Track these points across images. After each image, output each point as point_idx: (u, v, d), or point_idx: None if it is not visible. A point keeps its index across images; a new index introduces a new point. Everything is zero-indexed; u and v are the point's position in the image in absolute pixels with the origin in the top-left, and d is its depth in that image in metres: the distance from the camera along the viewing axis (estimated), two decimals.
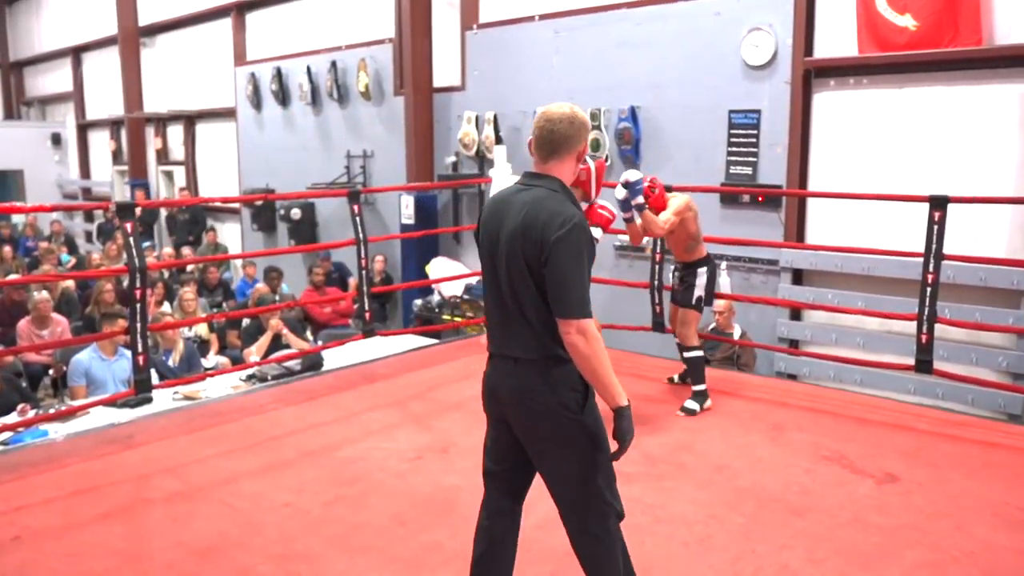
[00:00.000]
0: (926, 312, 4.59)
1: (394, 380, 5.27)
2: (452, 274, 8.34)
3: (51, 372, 7.08)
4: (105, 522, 3.29)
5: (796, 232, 6.56)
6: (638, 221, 4.41)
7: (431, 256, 9.12)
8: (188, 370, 6.04)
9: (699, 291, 4.72)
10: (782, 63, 6.49)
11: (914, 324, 4.68)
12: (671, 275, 5.03)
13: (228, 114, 12.61)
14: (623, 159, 7.47)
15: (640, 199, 4.30)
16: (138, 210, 4.53)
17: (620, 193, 4.26)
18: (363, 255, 5.66)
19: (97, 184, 16.87)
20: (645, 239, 4.73)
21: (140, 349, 4.41)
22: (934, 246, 4.54)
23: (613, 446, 2.28)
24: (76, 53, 16.90)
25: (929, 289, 4.57)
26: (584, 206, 3.36)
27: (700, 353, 4.73)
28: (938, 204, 4.55)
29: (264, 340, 6.76)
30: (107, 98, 15.75)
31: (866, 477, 3.72)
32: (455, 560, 2.98)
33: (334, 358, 5.87)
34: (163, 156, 14.63)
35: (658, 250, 5.61)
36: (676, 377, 5.15)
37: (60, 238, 13.57)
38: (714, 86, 6.89)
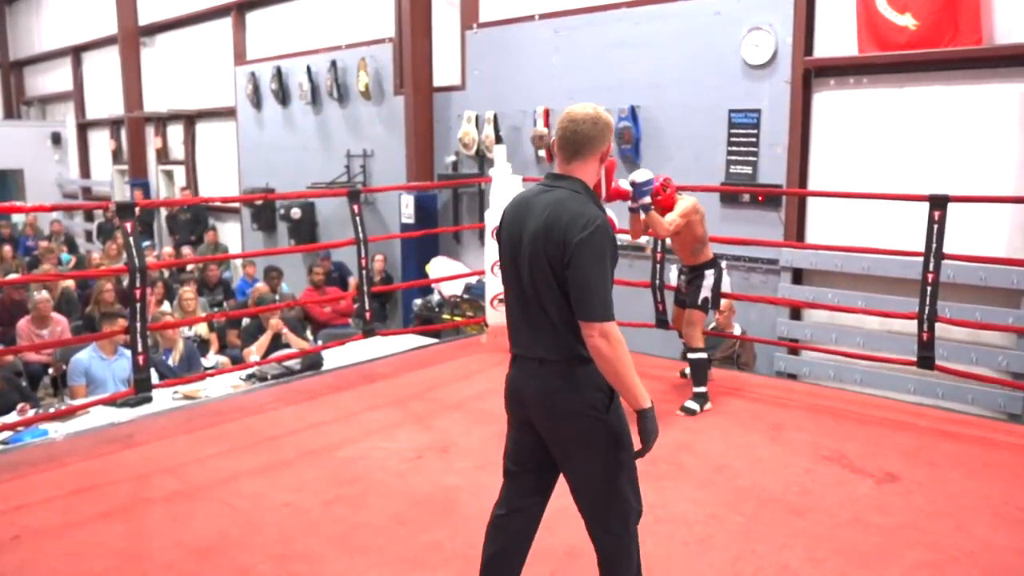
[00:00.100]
0: (927, 312, 4.59)
1: (394, 380, 5.27)
2: (452, 274, 8.34)
3: (51, 371, 7.09)
4: (105, 521, 3.29)
5: (796, 231, 6.56)
6: (642, 216, 4.42)
7: (431, 256, 9.12)
8: (188, 369, 6.04)
9: (706, 292, 4.72)
10: (782, 62, 6.49)
11: (914, 324, 4.69)
12: (677, 278, 5.02)
13: (228, 113, 12.60)
14: (623, 159, 7.47)
15: (647, 200, 4.31)
16: (137, 210, 4.52)
17: (626, 185, 4.28)
18: (363, 255, 5.66)
19: (97, 184, 16.88)
20: (644, 238, 4.72)
21: (140, 348, 4.41)
22: (934, 245, 4.54)
23: (636, 445, 2.28)
24: (76, 52, 16.90)
25: (929, 289, 4.57)
26: None
27: (704, 355, 4.72)
28: (938, 204, 4.55)
29: (264, 339, 6.76)
30: (107, 97, 15.76)
31: (866, 477, 3.72)
32: (455, 560, 2.98)
33: (334, 358, 5.87)
34: (163, 156, 14.63)
35: (658, 249, 5.61)
36: (688, 371, 5.14)
37: (60, 237, 13.57)
38: (714, 86, 6.89)
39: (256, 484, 3.64)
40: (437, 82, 9.22)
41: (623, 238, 4.81)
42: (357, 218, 5.62)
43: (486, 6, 8.87)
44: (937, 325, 4.62)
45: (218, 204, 13.00)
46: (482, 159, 8.81)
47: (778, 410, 4.68)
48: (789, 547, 3.08)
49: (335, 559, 3.01)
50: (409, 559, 3.00)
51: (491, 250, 5.80)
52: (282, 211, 11.03)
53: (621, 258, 7.73)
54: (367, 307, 5.68)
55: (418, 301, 8.92)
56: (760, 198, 6.65)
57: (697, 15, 6.98)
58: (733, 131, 6.83)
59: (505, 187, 5.82)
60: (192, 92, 13.64)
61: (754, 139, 6.72)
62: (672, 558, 3.00)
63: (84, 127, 17.39)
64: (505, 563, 2.45)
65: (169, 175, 14.67)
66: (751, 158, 6.75)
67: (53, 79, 18.21)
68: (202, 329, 7.62)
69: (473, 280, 8.19)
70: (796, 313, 6.66)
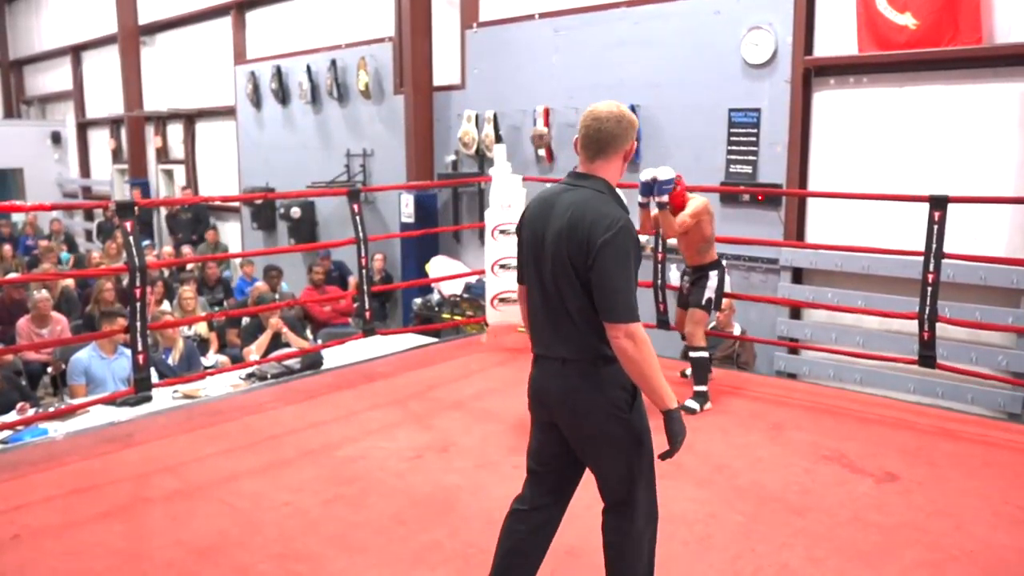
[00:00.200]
0: (927, 311, 4.59)
1: (394, 379, 5.27)
2: (452, 273, 8.34)
3: (51, 370, 7.08)
4: (105, 521, 3.29)
5: (796, 231, 6.56)
6: (654, 211, 4.42)
7: (431, 255, 9.12)
8: (188, 369, 6.04)
9: (710, 293, 4.73)
10: (782, 62, 6.49)
11: (913, 323, 4.69)
12: (680, 279, 5.02)
13: (228, 113, 12.60)
14: None
15: (665, 198, 4.32)
16: (136, 209, 4.53)
17: (646, 177, 4.29)
18: (363, 254, 5.66)
19: (97, 183, 16.87)
20: (644, 237, 4.73)
21: (140, 348, 4.41)
22: (934, 245, 4.54)
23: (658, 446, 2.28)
24: (76, 52, 16.89)
25: (930, 288, 4.57)
26: None
27: (706, 354, 4.72)
28: (938, 204, 4.55)
29: (264, 339, 6.76)
30: (107, 97, 15.75)
31: (866, 476, 3.72)
32: (454, 559, 2.98)
33: (334, 357, 5.87)
34: (163, 155, 14.63)
35: (659, 249, 5.61)
36: (689, 371, 5.14)
37: (60, 237, 13.57)
38: (714, 85, 6.89)
39: (256, 484, 3.64)
40: (437, 81, 9.22)
41: None
42: (357, 217, 5.62)
43: (486, 5, 8.86)
44: (937, 324, 4.62)
45: (218, 203, 13.00)
46: (482, 158, 8.80)
47: (778, 410, 4.68)
48: (789, 546, 3.08)
49: (335, 559, 3.01)
50: (409, 559, 3.00)
51: (491, 249, 5.79)
52: (282, 210, 11.03)
53: None
54: (367, 306, 5.68)
55: (418, 300, 8.92)
56: (760, 198, 6.65)
57: (697, 14, 6.98)
58: (733, 130, 6.83)
59: (505, 187, 5.82)
60: (192, 91, 13.64)
61: (754, 139, 6.72)
62: (672, 557, 3.00)
63: (84, 126, 17.38)
64: (520, 559, 2.42)
65: (169, 174, 14.66)
66: (751, 157, 6.75)
67: (53, 78, 18.20)
68: (202, 328, 7.61)
69: (473, 279, 8.20)
70: (796, 313, 6.66)
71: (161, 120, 14.41)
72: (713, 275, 4.74)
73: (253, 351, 6.66)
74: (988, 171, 5.62)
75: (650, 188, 4.34)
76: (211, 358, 6.98)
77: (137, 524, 3.29)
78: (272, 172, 11.57)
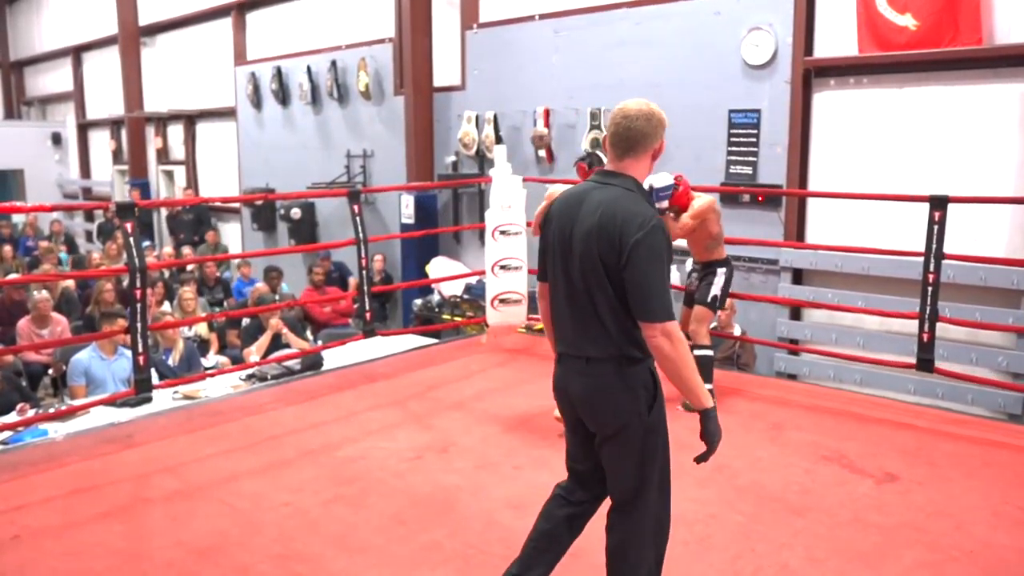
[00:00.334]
0: (927, 312, 4.59)
1: (394, 380, 5.27)
2: (452, 273, 8.33)
3: (51, 371, 7.09)
4: (105, 521, 3.29)
5: (796, 232, 6.56)
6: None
7: (431, 256, 9.11)
8: (188, 369, 6.04)
9: (716, 290, 4.72)
10: (782, 63, 6.49)
11: (913, 324, 4.69)
12: (687, 277, 5.03)
13: (228, 113, 12.61)
14: None
15: (664, 204, 4.33)
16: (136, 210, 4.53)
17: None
18: (363, 255, 5.67)
19: (97, 184, 16.88)
20: None
21: (140, 349, 4.41)
22: (934, 246, 4.54)
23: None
24: (76, 53, 16.90)
25: (930, 289, 4.57)
26: None
27: (710, 352, 4.71)
28: (938, 204, 4.55)
29: (264, 339, 6.76)
30: (107, 98, 15.76)
31: (866, 476, 3.72)
32: (454, 559, 2.98)
33: (334, 358, 5.87)
34: (163, 156, 14.63)
35: None
36: None
37: (60, 237, 13.57)
38: (714, 86, 6.89)
39: (256, 484, 3.64)
40: (437, 82, 9.22)
41: None
42: (357, 218, 5.62)
43: (486, 6, 8.87)
44: (937, 325, 4.62)
45: (218, 204, 13.00)
46: (482, 159, 8.81)
47: (778, 410, 4.68)
48: (789, 546, 3.08)
49: (335, 558, 3.01)
50: (409, 559, 3.00)
51: (491, 250, 5.78)
52: (282, 211, 11.03)
53: None
54: (367, 307, 5.68)
55: (418, 301, 8.92)
56: (760, 198, 6.65)
57: (697, 15, 6.98)
58: (733, 131, 6.83)
59: (505, 187, 5.81)
60: (192, 92, 13.64)
61: (754, 139, 6.72)
62: (672, 557, 2.98)
63: (84, 127, 17.39)
64: (555, 544, 2.43)
65: (169, 175, 14.67)
66: (751, 158, 6.75)
67: (53, 79, 18.21)
68: (202, 329, 7.62)
69: (473, 280, 8.19)
70: (796, 313, 6.66)
71: (161, 121, 14.41)
72: (721, 272, 4.74)
73: (253, 352, 6.66)
74: (988, 171, 5.62)
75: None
76: (211, 359, 6.98)
77: (137, 524, 3.29)
78: (272, 173, 11.57)
